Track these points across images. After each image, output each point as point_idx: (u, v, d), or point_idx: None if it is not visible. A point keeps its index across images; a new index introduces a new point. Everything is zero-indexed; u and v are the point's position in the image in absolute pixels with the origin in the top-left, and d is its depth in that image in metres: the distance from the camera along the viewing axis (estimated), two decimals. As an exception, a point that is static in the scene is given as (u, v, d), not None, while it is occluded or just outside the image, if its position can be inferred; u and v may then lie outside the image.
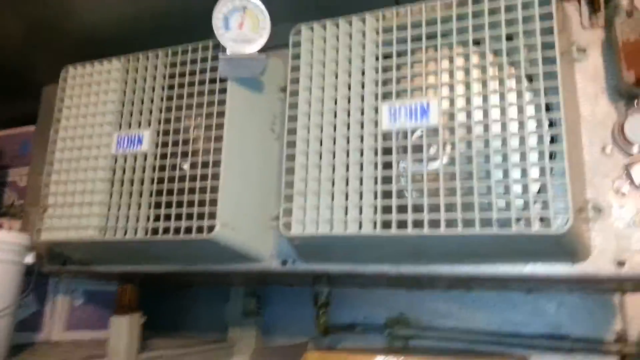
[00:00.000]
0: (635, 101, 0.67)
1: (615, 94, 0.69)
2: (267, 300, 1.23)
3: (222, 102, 0.78)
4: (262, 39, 0.75)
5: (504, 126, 0.62)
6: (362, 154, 0.68)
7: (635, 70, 0.64)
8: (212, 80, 0.80)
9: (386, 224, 0.64)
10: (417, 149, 0.65)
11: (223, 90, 0.79)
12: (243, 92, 0.81)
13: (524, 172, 0.60)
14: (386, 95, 0.69)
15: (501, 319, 1.01)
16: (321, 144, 0.71)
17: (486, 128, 0.63)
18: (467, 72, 0.65)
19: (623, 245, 0.63)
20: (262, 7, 0.75)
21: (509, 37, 0.64)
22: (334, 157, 0.70)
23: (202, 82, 0.81)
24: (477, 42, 0.66)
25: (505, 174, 0.61)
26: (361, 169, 0.68)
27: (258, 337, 1.18)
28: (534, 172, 0.59)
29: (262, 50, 0.76)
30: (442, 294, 1.07)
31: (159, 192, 0.79)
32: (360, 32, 0.73)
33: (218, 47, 0.78)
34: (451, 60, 0.66)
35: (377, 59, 0.71)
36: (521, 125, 0.61)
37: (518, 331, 0.98)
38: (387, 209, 0.65)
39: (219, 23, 0.76)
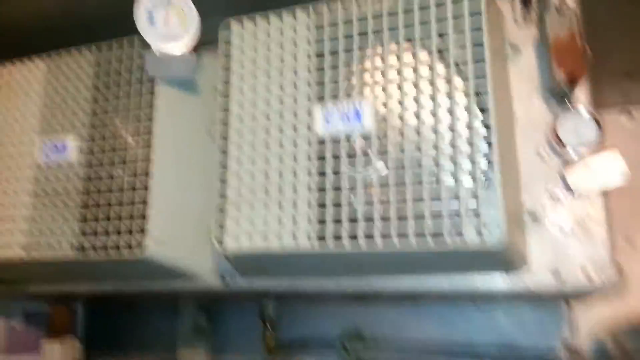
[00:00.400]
0: (566, 101, 0.65)
1: (549, 93, 0.67)
2: (218, 317, 1.19)
3: (151, 104, 0.73)
4: (189, 35, 0.71)
5: (435, 130, 0.59)
6: (296, 161, 0.65)
7: (565, 68, 0.62)
8: (141, 80, 0.75)
9: (321, 237, 0.61)
10: (351, 155, 0.62)
11: (152, 91, 0.74)
12: (175, 93, 0.76)
13: (456, 182, 0.57)
14: (319, 97, 0.65)
15: (453, 329, 1.00)
16: (255, 150, 0.67)
17: (418, 133, 0.60)
18: (399, 72, 0.62)
19: (558, 254, 0.62)
20: (189, 0, 0.71)
21: (442, 35, 0.61)
22: (267, 164, 0.66)
23: (130, 83, 0.76)
24: (410, 40, 0.62)
25: (437, 183, 0.58)
26: (295, 177, 0.64)
27: (208, 356, 1.14)
28: (466, 182, 0.56)
29: (197, 46, 0.72)
30: (395, 306, 1.05)
31: (87, 206, 0.74)
32: (292, 28, 0.68)
33: (146, 43, 0.73)
34: (383, 59, 0.63)
35: (309, 57, 0.67)
36: (452, 129, 0.58)
37: (469, 342, 0.97)
38: (322, 221, 0.62)
39: (143, 18, 0.71)
